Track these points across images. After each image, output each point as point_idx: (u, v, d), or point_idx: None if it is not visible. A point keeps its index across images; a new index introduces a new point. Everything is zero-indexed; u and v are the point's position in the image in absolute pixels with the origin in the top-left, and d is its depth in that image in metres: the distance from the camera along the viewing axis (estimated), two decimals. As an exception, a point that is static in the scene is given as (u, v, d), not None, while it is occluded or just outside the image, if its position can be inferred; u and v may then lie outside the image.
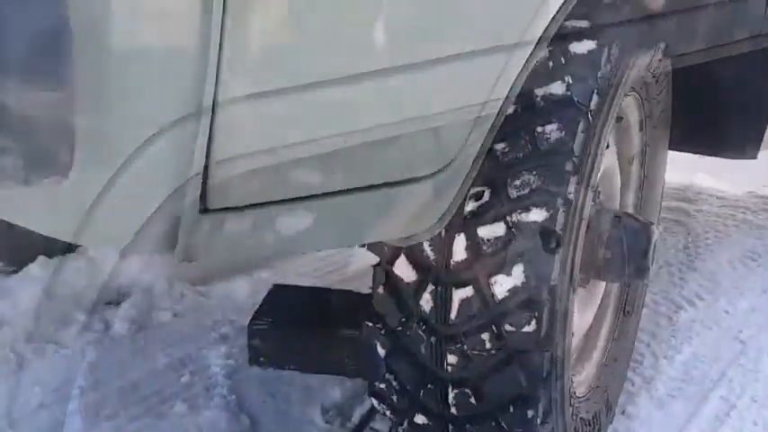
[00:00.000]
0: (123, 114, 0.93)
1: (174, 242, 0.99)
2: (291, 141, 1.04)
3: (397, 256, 1.43)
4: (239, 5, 0.94)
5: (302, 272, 2.95)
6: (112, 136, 0.94)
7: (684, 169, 3.81)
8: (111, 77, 0.92)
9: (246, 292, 2.75)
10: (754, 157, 2.20)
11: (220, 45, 0.94)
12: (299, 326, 2.24)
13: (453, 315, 1.41)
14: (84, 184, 0.94)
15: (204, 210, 1.00)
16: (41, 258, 2.61)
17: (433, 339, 1.44)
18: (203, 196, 0.99)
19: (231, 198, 1.02)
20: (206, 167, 0.98)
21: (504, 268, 1.37)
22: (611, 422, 2.01)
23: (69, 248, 2.59)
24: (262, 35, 0.98)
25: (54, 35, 0.86)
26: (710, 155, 2.25)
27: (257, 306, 2.34)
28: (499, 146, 1.38)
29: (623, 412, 2.13)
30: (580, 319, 1.86)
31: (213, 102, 0.95)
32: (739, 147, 2.18)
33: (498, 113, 1.25)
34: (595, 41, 1.46)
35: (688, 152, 2.25)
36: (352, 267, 3.00)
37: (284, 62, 1.01)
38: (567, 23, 1.45)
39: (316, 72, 1.03)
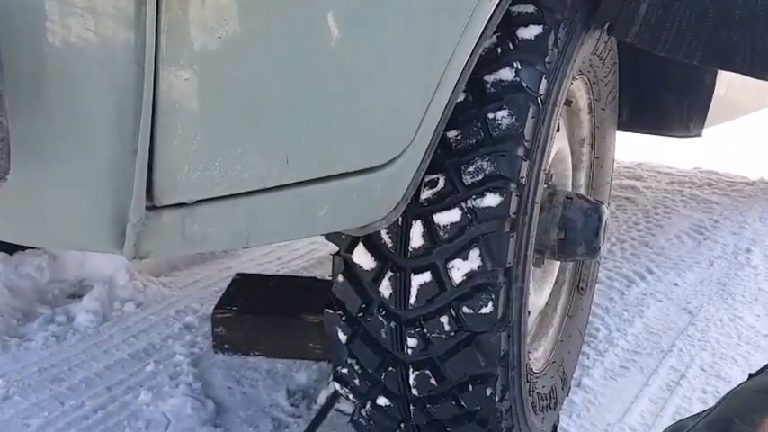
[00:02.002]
0: (60, 115, 0.92)
1: (123, 241, 0.97)
2: (241, 134, 1.02)
3: (355, 245, 1.45)
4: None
5: (265, 260, 2.98)
6: (50, 137, 0.93)
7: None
8: (45, 78, 0.90)
9: (209, 281, 2.77)
10: (699, 135, 2.26)
11: (156, 41, 0.92)
12: (263, 313, 2.27)
13: (412, 300, 1.44)
14: (25, 186, 0.93)
15: (152, 207, 0.98)
16: (1, 254, 2.60)
17: (393, 324, 1.47)
18: (150, 193, 0.97)
19: (179, 194, 0.99)
20: (150, 164, 0.95)
21: (461, 253, 1.40)
22: (568, 395, 2.07)
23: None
24: (200, 29, 0.95)
25: None
26: (657, 134, 2.30)
27: (221, 294, 2.38)
28: (451, 133, 1.41)
29: (579, 385, 2.20)
30: (536, 298, 1.91)
31: (153, 98, 0.93)
32: (684, 125, 2.23)
33: (449, 101, 1.26)
34: (542, 26, 1.47)
35: (635, 132, 2.30)
36: (315, 254, 3.03)
37: (227, 56, 0.98)
38: (513, 8, 1.47)
39: (260, 66, 1.01)
